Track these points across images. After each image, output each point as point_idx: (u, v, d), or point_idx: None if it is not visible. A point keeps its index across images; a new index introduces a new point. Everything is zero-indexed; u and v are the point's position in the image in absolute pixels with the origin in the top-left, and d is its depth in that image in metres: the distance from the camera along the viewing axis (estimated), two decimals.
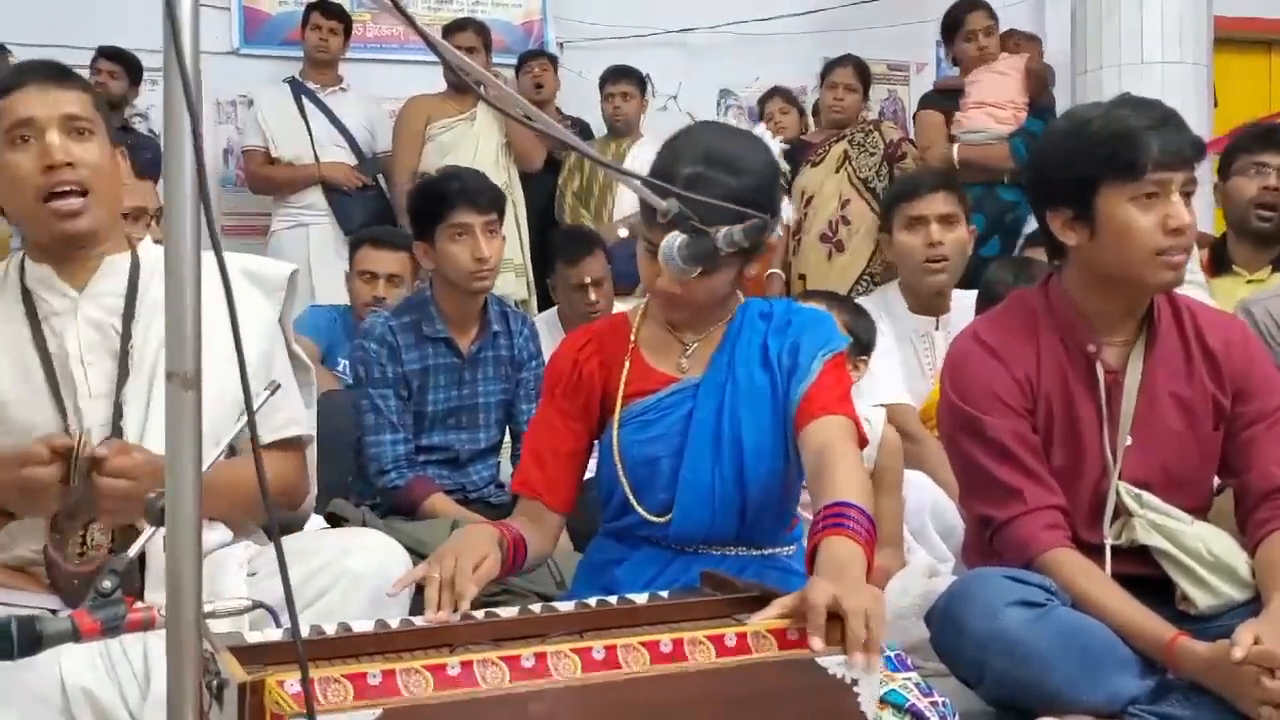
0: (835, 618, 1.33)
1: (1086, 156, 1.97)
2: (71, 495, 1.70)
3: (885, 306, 3.33)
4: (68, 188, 1.82)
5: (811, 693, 1.30)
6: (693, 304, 1.88)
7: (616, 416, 1.91)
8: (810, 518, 1.65)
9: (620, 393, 1.91)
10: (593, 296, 3.71)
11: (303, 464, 2.06)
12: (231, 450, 1.64)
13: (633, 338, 1.95)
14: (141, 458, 1.70)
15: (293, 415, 2.00)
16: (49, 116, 1.83)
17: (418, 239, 3.06)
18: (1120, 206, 1.95)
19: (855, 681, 1.30)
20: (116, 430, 1.80)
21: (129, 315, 1.87)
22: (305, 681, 1.03)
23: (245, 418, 1.89)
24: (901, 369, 3.21)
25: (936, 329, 3.32)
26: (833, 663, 1.30)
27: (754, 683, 1.28)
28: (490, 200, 3.02)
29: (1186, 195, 1.96)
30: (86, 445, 1.70)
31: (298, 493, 2.06)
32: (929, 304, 3.34)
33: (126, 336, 1.85)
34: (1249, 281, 3.27)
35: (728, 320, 1.93)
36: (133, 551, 1.29)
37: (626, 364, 1.93)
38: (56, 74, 1.88)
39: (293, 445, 2.02)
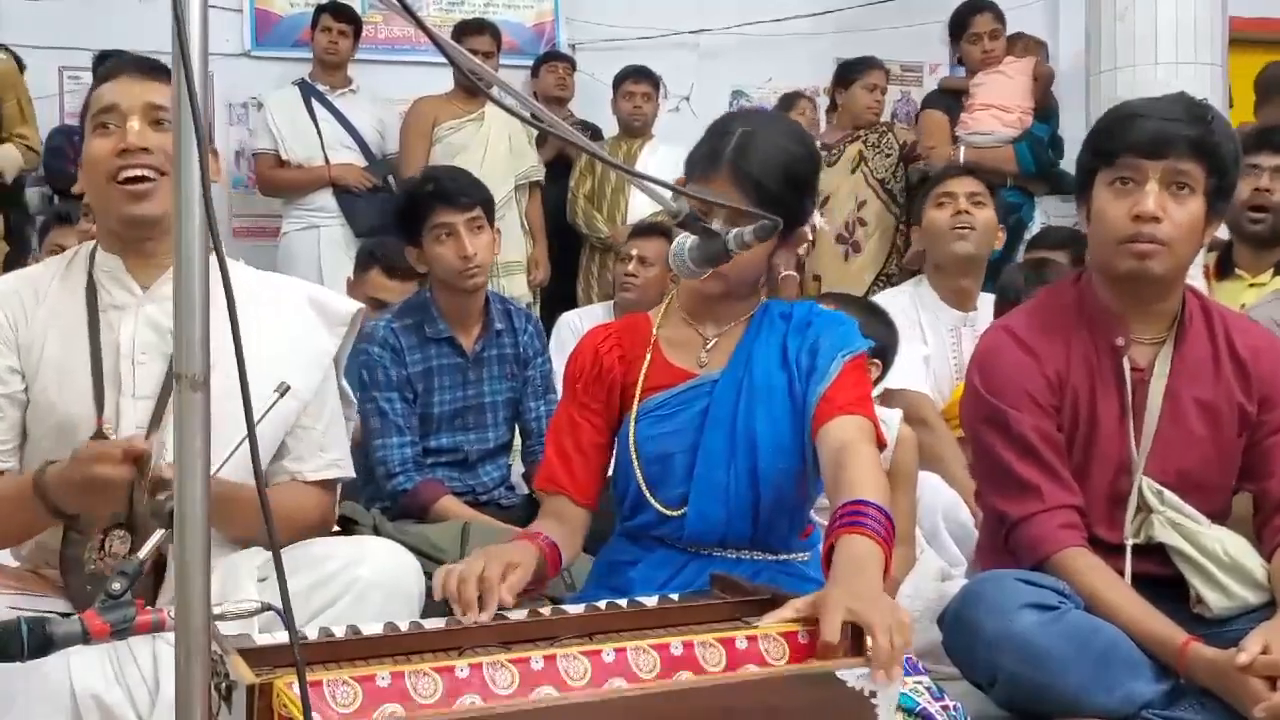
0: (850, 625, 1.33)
1: (1089, 143, 2.03)
2: (135, 506, 1.66)
3: (919, 299, 3.38)
4: (140, 171, 1.82)
5: (829, 706, 1.27)
6: (725, 279, 1.86)
7: (634, 410, 1.91)
8: (826, 523, 1.64)
9: (639, 386, 1.92)
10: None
11: (335, 501, 2.07)
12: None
13: (654, 333, 1.96)
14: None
15: (337, 459, 2.02)
16: (132, 105, 1.84)
17: (408, 245, 3.03)
18: (1100, 192, 1.98)
19: (874, 694, 1.29)
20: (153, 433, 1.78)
21: None
22: (303, 684, 1.02)
23: (281, 441, 1.93)
24: (932, 361, 3.23)
25: (965, 326, 3.33)
26: (852, 675, 1.29)
27: (770, 696, 1.26)
28: (471, 197, 2.97)
29: (1176, 186, 1.93)
30: (156, 464, 1.64)
31: (324, 527, 2.07)
32: (958, 296, 3.35)
33: None
34: (1251, 285, 3.23)
35: (748, 318, 1.93)
36: (143, 554, 1.29)
37: (647, 359, 1.93)
38: (148, 68, 1.90)
39: (331, 482, 2.03)
